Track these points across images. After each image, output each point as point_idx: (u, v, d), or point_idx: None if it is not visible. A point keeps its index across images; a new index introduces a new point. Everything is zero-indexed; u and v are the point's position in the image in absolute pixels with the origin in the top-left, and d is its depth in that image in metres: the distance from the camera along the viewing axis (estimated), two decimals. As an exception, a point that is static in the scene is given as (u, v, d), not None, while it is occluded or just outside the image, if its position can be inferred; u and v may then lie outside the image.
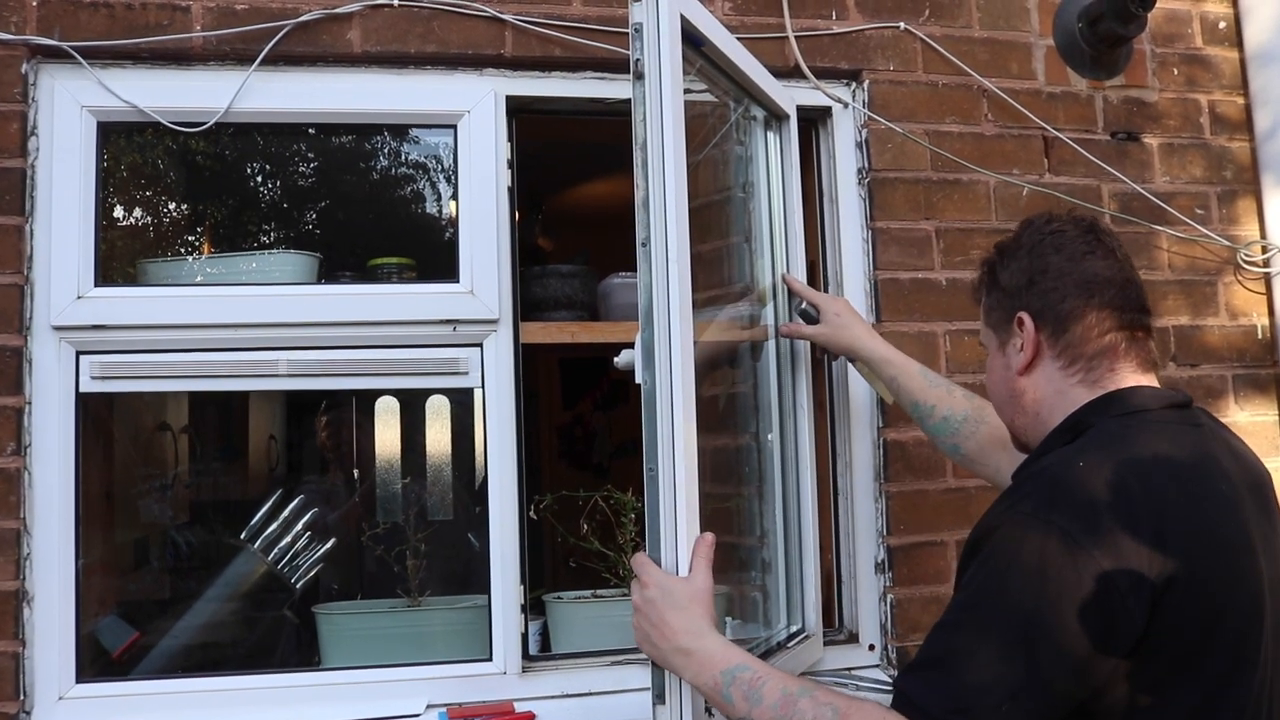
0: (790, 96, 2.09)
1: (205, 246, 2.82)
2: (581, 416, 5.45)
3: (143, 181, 2.61)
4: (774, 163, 2.08)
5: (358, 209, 2.88)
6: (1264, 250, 2.39)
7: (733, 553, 2.06)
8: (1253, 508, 1.28)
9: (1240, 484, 1.29)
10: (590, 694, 1.99)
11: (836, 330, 1.93)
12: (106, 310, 1.93)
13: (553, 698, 1.97)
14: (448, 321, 2.02)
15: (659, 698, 1.41)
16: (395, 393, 2.81)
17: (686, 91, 1.55)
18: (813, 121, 2.26)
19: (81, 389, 1.92)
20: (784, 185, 2.07)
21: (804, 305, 1.97)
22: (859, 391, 2.18)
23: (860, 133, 2.24)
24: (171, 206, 2.73)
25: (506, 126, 2.08)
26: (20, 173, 1.90)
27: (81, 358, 1.92)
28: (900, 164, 2.23)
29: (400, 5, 2.04)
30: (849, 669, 2.11)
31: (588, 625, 2.13)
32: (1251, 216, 2.42)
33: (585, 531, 2.13)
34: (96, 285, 1.93)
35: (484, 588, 2.01)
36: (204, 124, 1.98)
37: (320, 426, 3.41)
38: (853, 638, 2.16)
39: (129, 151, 2.41)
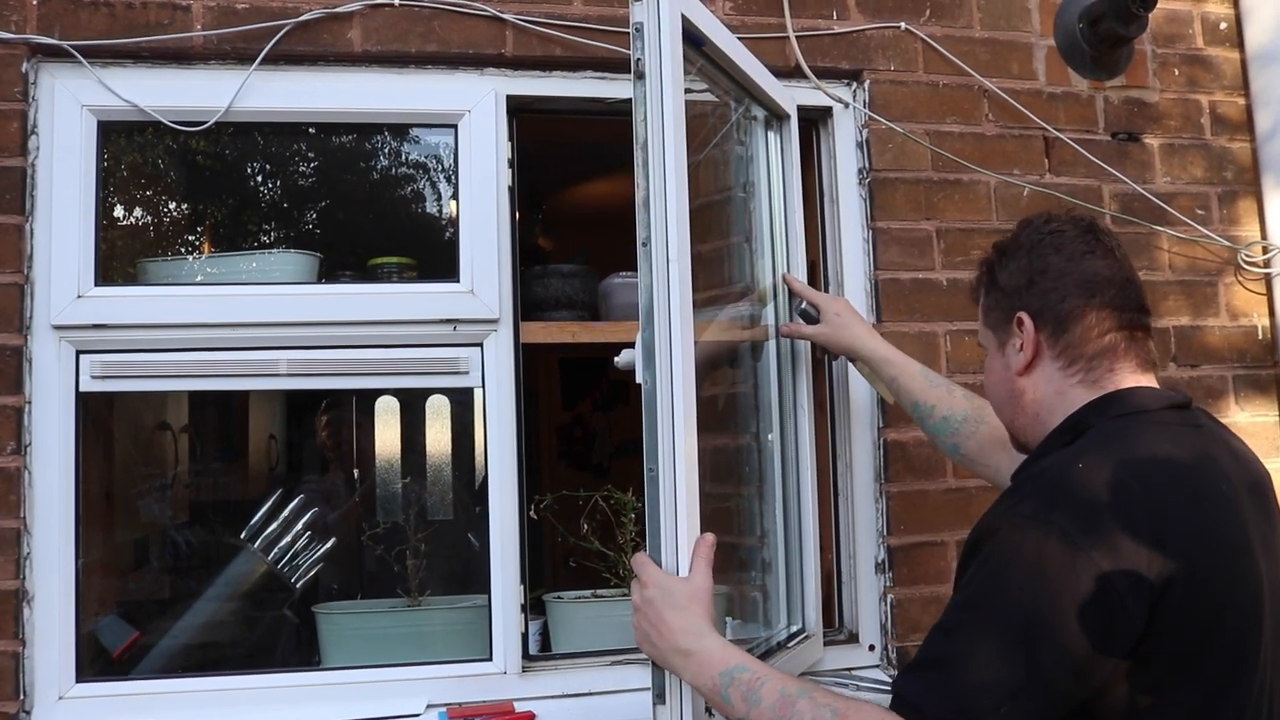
0: (791, 96, 2.09)
1: (205, 246, 2.82)
2: (581, 417, 5.45)
3: (143, 181, 2.60)
4: (775, 163, 2.08)
5: (358, 208, 2.88)
6: (1264, 251, 2.39)
7: (733, 553, 2.06)
8: (1252, 508, 1.28)
9: (1240, 485, 1.29)
10: (590, 694, 1.99)
11: (837, 330, 1.93)
12: (107, 309, 1.92)
13: (553, 697, 1.97)
14: (448, 321, 2.02)
15: (659, 698, 1.41)
16: (395, 392, 2.81)
17: (687, 91, 1.55)
18: (813, 121, 2.26)
19: (81, 388, 1.92)
20: (784, 185, 2.07)
21: (804, 305, 1.97)
22: (859, 391, 2.18)
23: (861, 133, 2.24)
24: (172, 206, 2.73)
25: (507, 126, 2.08)
26: (20, 172, 1.90)
27: (81, 357, 1.92)
28: (901, 164, 2.23)
29: (401, 5, 2.04)
30: (849, 669, 2.11)
31: (588, 625, 2.13)
32: (1252, 217, 2.42)
33: (585, 531, 2.13)
34: (97, 284, 1.93)
35: (484, 587, 2.01)
36: (204, 123, 1.98)
37: (320, 426, 3.41)
38: (853, 638, 2.15)
39: (129, 151, 2.41)
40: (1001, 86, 2.29)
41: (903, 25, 2.25)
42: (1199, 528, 1.20)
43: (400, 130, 2.46)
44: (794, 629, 2.01)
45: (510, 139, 2.08)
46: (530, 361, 2.12)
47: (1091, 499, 1.18)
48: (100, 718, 1.86)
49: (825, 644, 2.07)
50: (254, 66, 1.98)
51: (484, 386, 2.03)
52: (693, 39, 1.65)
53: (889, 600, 2.14)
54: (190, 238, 2.83)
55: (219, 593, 2.74)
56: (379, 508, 2.86)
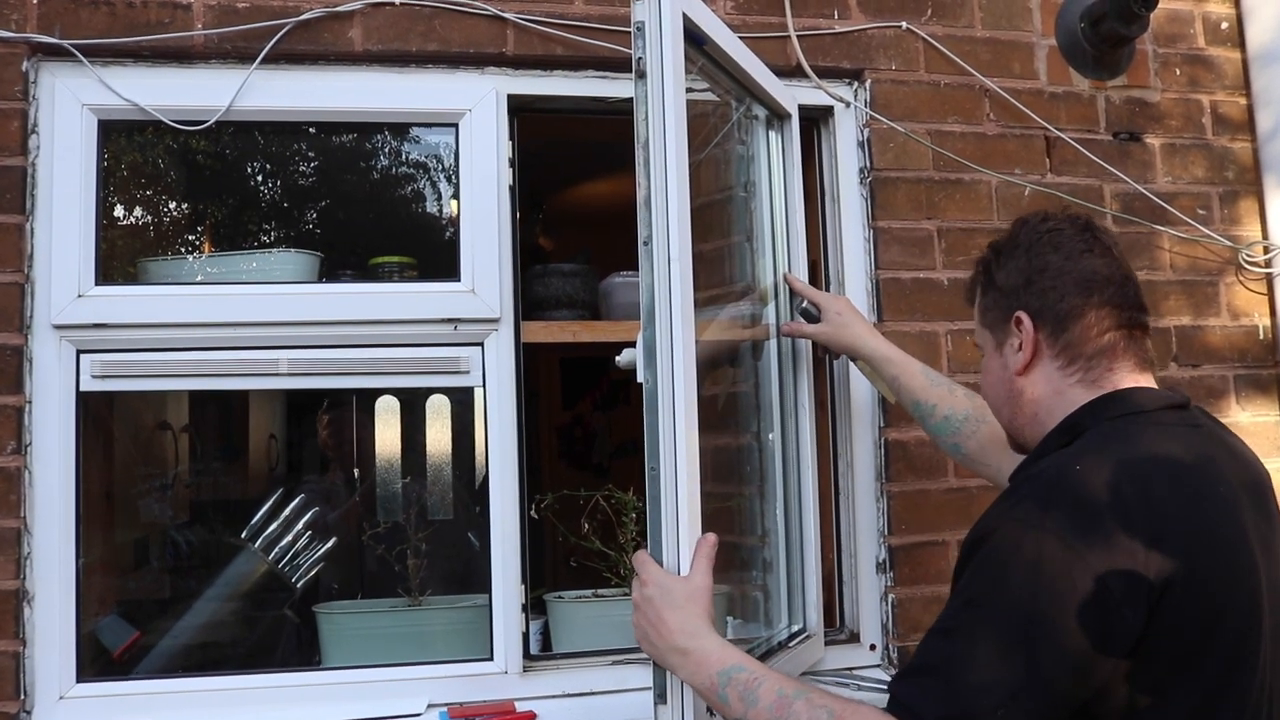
0: (792, 96, 2.09)
1: (206, 245, 2.82)
2: (581, 417, 5.45)
3: (143, 180, 2.60)
4: (776, 162, 2.08)
5: (359, 208, 2.88)
6: (1266, 251, 2.39)
7: (734, 552, 2.06)
8: (1251, 508, 1.28)
9: (1239, 485, 1.28)
10: (591, 693, 1.99)
11: (838, 329, 1.93)
12: (107, 309, 1.92)
13: (554, 697, 1.97)
14: (449, 320, 2.02)
15: (660, 697, 1.41)
16: (396, 392, 2.80)
17: (688, 90, 1.55)
18: (815, 121, 2.26)
19: (82, 388, 1.92)
20: (786, 184, 2.07)
21: (805, 304, 1.97)
22: (860, 391, 2.18)
23: (862, 132, 2.24)
24: (172, 205, 2.73)
25: (508, 125, 2.08)
26: (21, 171, 1.90)
27: (82, 356, 1.92)
28: (902, 163, 2.22)
29: (402, 4, 2.04)
30: (850, 669, 2.11)
31: (589, 625, 2.13)
32: (1253, 217, 2.42)
33: (586, 531, 2.13)
34: (97, 284, 1.93)
35: (485, 587, 2.01)
36: (205, 122, 1.98)
37: (322, 425, 3.41)
38: (854, 638, 2.15)
39: (129, 150, 2.41)
40: (1003, 86, 2.29)
41: (904, 25, 2.25)
42: (1198, 528, 1.20)
43: (401, 129, 2.46)
44: (795, 629, 2.01)
45: (511, 138, 2.08)
46: (530, 361, 2.11)
47: (1089, 500, 1.17)
48: (101, 717, 1.86)
49: (826, 644, 2.07)
50: (255, 66, 1.98)
51: (485, 386, 2.03)
52: (694, 38, 1.65)
53: (890, 600, 2.14)
54: (191, 237, 2.83)
55: (219, 592, 2.74)
56: (379, 507, 2.86)
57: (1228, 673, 1.20)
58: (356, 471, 3.31)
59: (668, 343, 1.44)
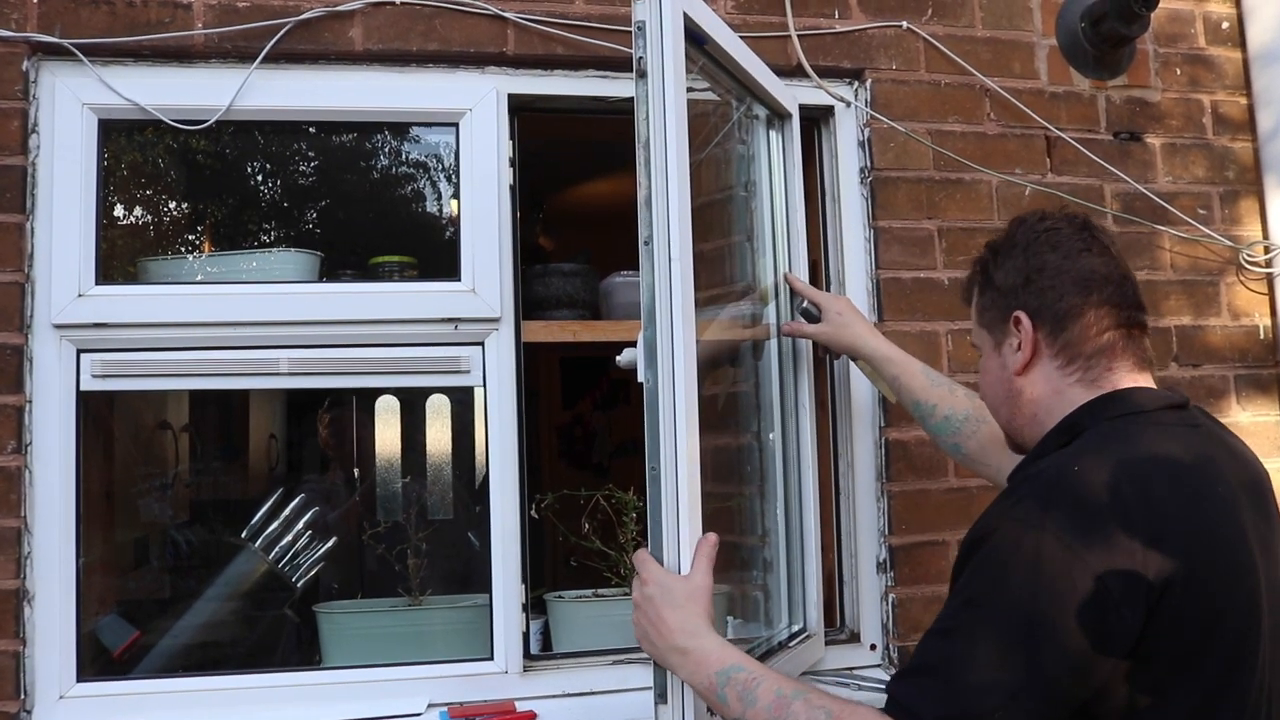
0: (793, 95, 2.09)
1: (206, 245, 2.82)
2: (581, 416, 5.45)
3: (143, 179, 2.60)
4: (776, 161, 2.08)
5: (359, 207, 2.88)
6: (1266, 250, 2.39)
7: (735, 552, 2.06)
8: (1250, 508, 1.28)
9: (1238, 484, 1.28)
10: (592, 693, 1.99)
11: (838, 329, 1.93)
12: (107, 308, 1.92)
13: (554, 697, 1.97)
14: (449, 320, 2.02)
15: (661, 697, 1.41)
16: (396, 391, 2.80)
17: (689, 90, 1.55)
18: (815, 120, 2.26)
19: (82, 387, 1.92)
20: (786, 184, 2.07)
21: (806, 304, 1.97)
22: (861, 391, 2.18)
23: (863, 132, 2.24)
24: (172, 204, 2.72)
25: (508, 125, 2.08)
26: (21, 170, 1.90)
27: (82, 356, 1.92)
28: (903, 163, 2.22)
29: (402, 3, 2.04)
30: (850, 669, 2.11)
31: (589, 624, 2.13)
32: (1254, 217, 2.42)
33: (586, 530, 2.13)
34: (97, 283, 1.93)
35: (485, 587, 2.01)
36: (205, 122, 1.98)
37: (322, 425, 3.41)
38: (854, 637, 2.15)
39: (130, 149, 2.41)
40: (1003, 86, 2.29)
41: (904, 24, 2.25)
42: (1197, 528, 1.20)
43: (401, 129, 2.46)
44: (795, 628, 2.01)
45: (511, 138, 2.08)
46: (530, 360, 2.11)
47: (1089, 500, 1.17)
48: (101, 717, 1.86)
49: (826, 643, 2.07)
50: (255, 65, 1.98)
51: (485, 385, 2.03)
52: (695, 38, 1.65)
53: (890, 600, 2.14)
54: (191, 237, 2.83)
55: (219, 592, 2.74)
56: (379, 507, 2.86)
57: (1227, 673, 1.20)
58: (356, 471, 3.31)
59: (668, 342, 1.44)
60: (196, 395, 3.24)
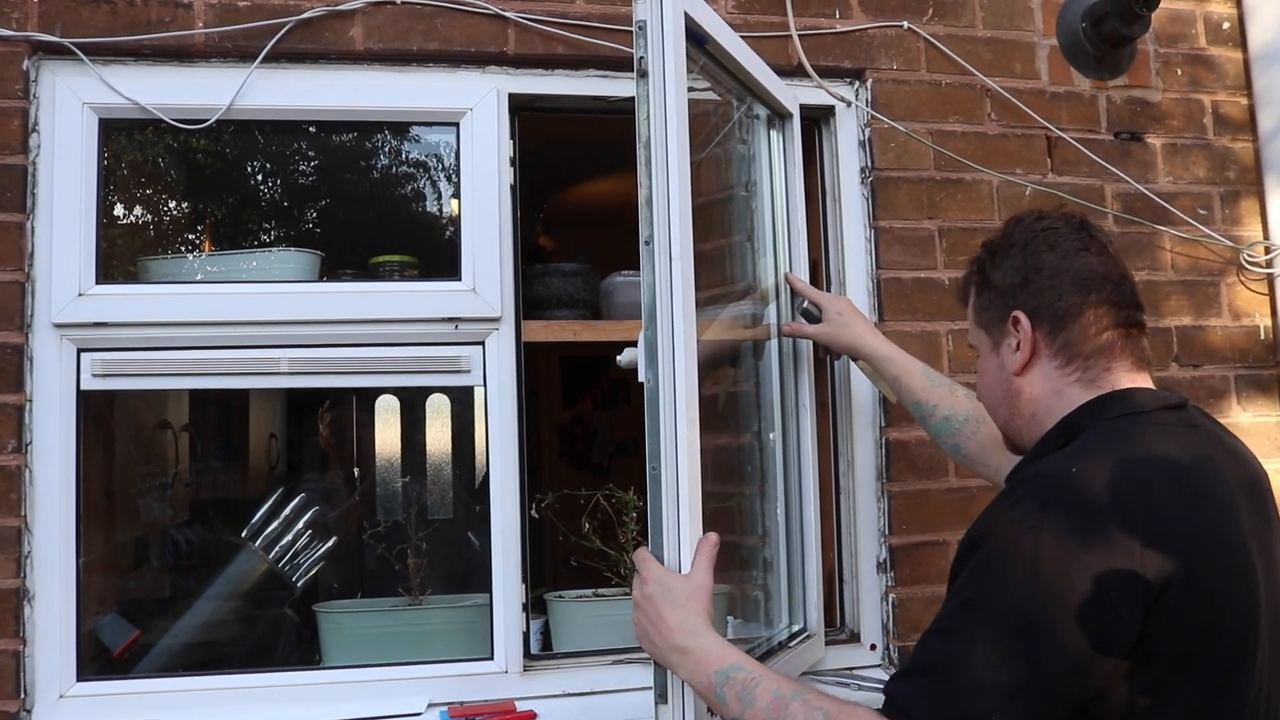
0: (793, 95, 2.09)
1: (206, 244, 2.82)
2: (582, 416, 5.45)
3: (144, 179, 2.60)
4: (777, 161, 2.08)
5: (359, 207, 2.88)
6: (1267, 251, 2.39)
7: (735, 552, 2.06)
8: (1249, 508, 1.27)
9: (1236, 485, 1.28)
10: (592, 693, 1.99)
11: (839, 329, 1.92)
12: (108, 307, 1.92)
13: (554, 697, 1.97)
14: (450, 319, 2.02)
15: (661, 697, 1.41)
16: (396, 391, 2.80)
17: (689, 90, 1.55)
18: (816, 120, 2.26)
19: (82, 386, 1.92)
20: (787, 184, 2.07)
21: (806, 304, 1.97)
22: (861, 391, 2.18)
23: (863, 132, 2.24)
24: (173, 204, 2.73)
25: (509, 124, 2.08)
26: (21, 169, 1.90)
27: (82, 355, 1.92)
28: (903, 163, 2.22)
29: (403, 3, 2.04)
30: (850, 669, 2.11)
31: (589, 624, 2.13)
32: (1254, 217, 2.42)
33: (587, 530, 2.13)
34: (97, 282, 1.93)
35: (485, 586, 2.01)
36: (206, 121, 1.98)
37: (323, 424, 3.41)
38: (854, 637, 2.15)
39: (130, 149, 2.41)
40: (1004, 86, 2.28)
41: (905, 24, 2.25)
42: (1196, 528, 1.20)
43: (402, 128, 2.46)
44: (795, 628, 2.01)
45: (512, 137, 2.08)
46: (531, 360, 2.11)
47: (1087, 501, 1.17)
48: (101, 716, 1.86)
49: (827, 643, 2.07)
50: (256, 64, 1.98)
51: (485, 385, 2.03)
52: (696, 37, 1.65)
53: (891, 600, 2.14)
54: (191, 236, 2.83)
55: (219, 591, 2.74)
56: (379, 506, 2.86)
57: (1226, 673, 1.20)
58: (356, 471, 3.31)
59: (669, 342, 1.44)
60: (196, 395, 3.24)
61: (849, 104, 2.24)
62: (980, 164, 2.25)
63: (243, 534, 2.80)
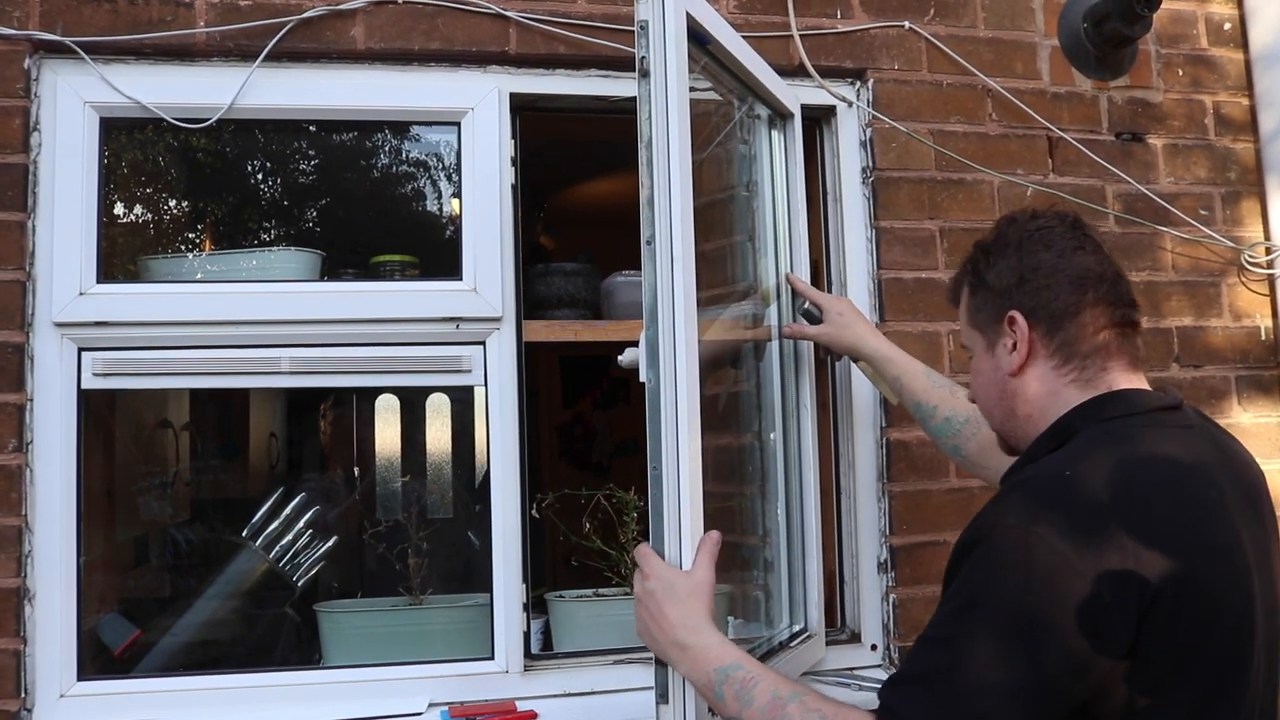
0: (795, 95, 2.09)
1: (207, 243, 2.82)
2: (582, 415, 5.45)
3: (144, 178, 2.60)
4: (778, 161, 2.08)
5: (360, 206, 2.88)
6: (1268, 252, 2.39)
7: (736, 552, 2.06)
8: (1244, 508, 1.27)
9: (1231, 485, 1.28)
10: (593, 693, 1.99)
11: (840, 330, 1.92)
12: (108, 307, 1.92)
13: (555, 696, 1.97)
14: (450, 319, 2.02)
15: (662, 697, 1.41)
16: (396, 390, 2.80)
17: (691, 89, 1.55)
18: (817, 120, 2.26)
19: (83, 385, 1.92)
20: (788, 184, 2.07)
21: (807, 305, 1.97)
22: (862, 391, 2.18)
23: (864, 132, 2.23)
24: (173, 203, 2.72)
25: (510, 124, 2.08)
26: (22, 168, 1.89)
27: (83, 354, 1.92)
28: (904, 163, 2.22)
29: (404, 2, 2.04)
30: (851, 669, 2.11)
31: (590, 624, 2.13)
32: (1255, 218, 2.42)
33: (587, 530, 2.13)
34: (98, 281, 1.93)
35: (486, 586, 2.01)
36: (207, 120, 1.97)
37: (327, 423, 3.41)
38: (855, 637, 2.15)
39: (131, 147, 2.41)
40: (1005, 86, 2.28)
41: (906, 24, 2.25)
42: (1191, 530, 1.19)
43: (403, 128, 2.46)
44: (796, 628, 2.01)
45: (513, 137, 2.08)
46: (531, 360, 2.11)
47: (1081, 504, 1.17)
48: (101, 716, 1.85)
49: (827, 644, 2.07)
50: (257, 64, 1.98)
51: (486, 385, 2.03)
52: (697, 37, 1.65)
53: (891, 600, 2.14)
54: (192, 235, 2.83)
55: (220, 591, 2.74)
56: (380, 506, 2.86)
57: (1224, 673, 1.20)
58: (357, 470, 3.31)
59: (670, 342, 1.44)
60: (197, 394, 3.24)
61: (850, 104, 2.24)
62: (981, 164, 2.25)
63: (243, 533, 2.80)
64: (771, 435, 2.04)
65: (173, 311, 1.96)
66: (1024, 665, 1.12)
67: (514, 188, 2.06)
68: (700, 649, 1.34)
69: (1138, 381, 1.34)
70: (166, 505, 2.99)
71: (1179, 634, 1.15)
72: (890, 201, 2.20)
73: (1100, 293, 1.33)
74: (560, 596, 2.18)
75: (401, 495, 2.81)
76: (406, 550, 2.29)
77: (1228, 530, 1.23)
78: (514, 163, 2.07)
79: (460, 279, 2.03)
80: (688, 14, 1.55)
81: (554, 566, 3.08)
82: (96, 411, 2.14)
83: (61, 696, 1.85)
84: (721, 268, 2.03)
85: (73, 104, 1.94)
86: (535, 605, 2.09)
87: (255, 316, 1.97)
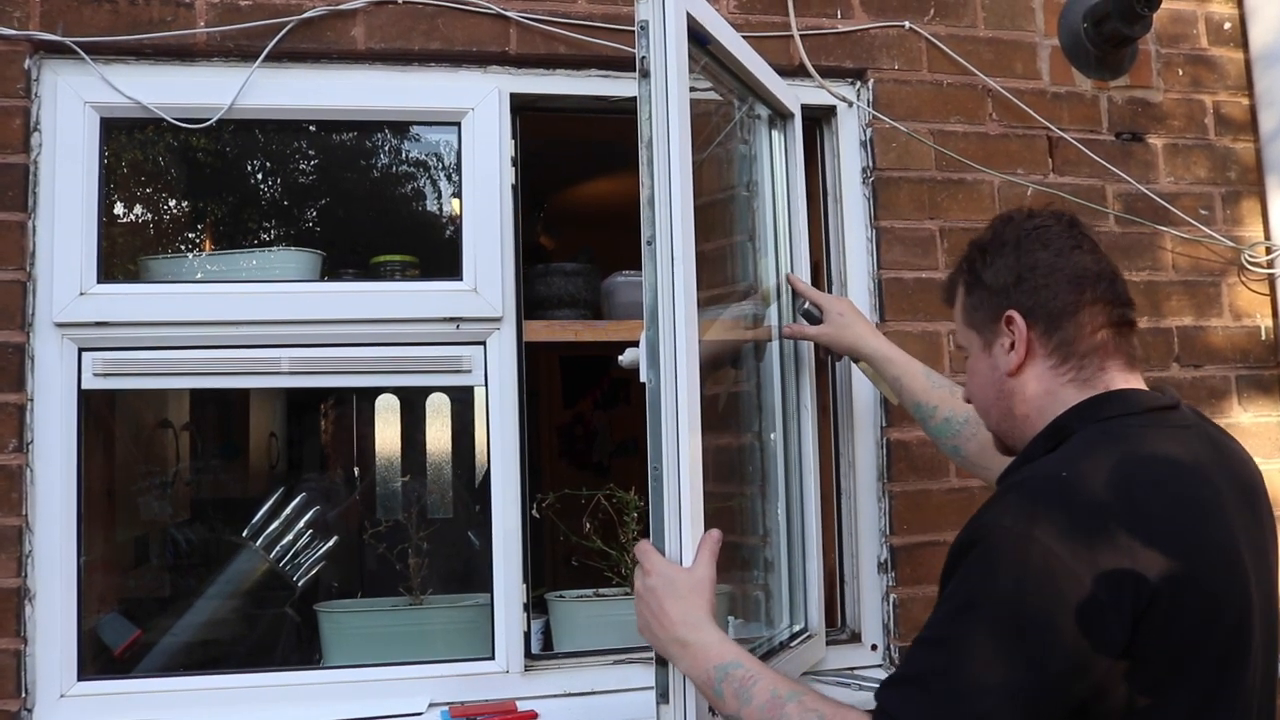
0: (795, 95, 2.09)
1: (207, 243, 2.82)
2: (582, 415, 5.45)
3: (145, 178, 2.60)
4: (778, 161, 2.08)
5: (360, 206, 2.88)
6: (1268, 251, 2.39)
7: (736, 552, 2.06)
8: (1241, 507, 1.27)
9: (1228, 485, 1.28)
10: (593, 693, 1.99)
11: (840, 330, 1.92)
12: (109, 307, 1.92)
13: (555, 696, 1.97)
14: (451, 319, 2.02)
15: (663, 697, 1.41)
16: (396, 390, 2.80)
17: (691, 89, 1.55)
18: (817, 120, 2.26)
19: (84, 385, 1.92)
20: (788, 184, 2.07)
21: (807, 305, 1.97)
22: (862, 391, 2.18)
23: (865, 132, 2.23)
24: (174, 203, 2.72)
25: (510, 124, 2.08)
26: (23, 168, 1.90)
27: (84, 354, 1.92)
28: (905, 163, 2.22)
29: (405, 2, 2.04)
30: (851, 669, 2.11)
31: (590, 624, 2.13)
32: (1256, 217, 2.42)
33: (588, 530, 2.13)
34: (99, 282, 1.93)
35: (486, 586, 2.01)
36: (207, 120, 1.98)
37: (327, 423, 3.41)
38: (855, 637, 2.15)
39: (131, 148, 2.41)
40: (1005, 86, 2.28)
41: (907, 24, 2.25)
42: (1187, 530, 1.19)
43: (403, 128, 2.46)
44: (796, 628, 2.01)
45: (513, 137, 2.08)
46: (531, 360, 2.11)
47: (1078, 504, 1.16)
48: (102, 716, 1.86)
49: (828, 643, 2.07)
50: (257, 64, 1.98)
51: (486, 385, 2.03)
52: (697, 37, 1.65)
53: (892, 600, 2.14)
54: (192, 235, 2.83)
55: (220, 591, 2.74)
56: (380, 506, 2.86)
57: (1223, 672, 1.20)
58: (357, 470, 3.31)
59: (671, 342, 1.44)
60: (197, 394, 3.24)
61: (850, 104, 2.24)
62: (982, 164, 2.25)
63: (243, 533, 2.80)
64: (772, 435, 2.04)
65: (173, 311, 1.96)
66: (1023, 665, 1.12)
67: (514, 188, 2.06)
68: (700, 646, 1.34)
69: (1135, 381, 1.34)
70: (167, 505, 2.99)
71: (1177, 634, 1.15)
72: (890, 201, 2.21)
73: (1098, 292, 1.33)
74: (560, 596, 2.18)
75: (402, 495, 2.81)
76: (407, 550, 2.29)
77: (1225, 530, 1.23)
78: (514, 163, 2.07)
79: (460, 279, 2.03)
80: (688, 14, 1.55)
81: (554, 566, 3.08)
82: (97, 411, 2.14)
83: (62, 696, 1.85)
84: (722, 268, 2.03)
85: (73, 104, 1.94)
86: (535, 605, 2.09)
87: (255, 316, 1.97)
